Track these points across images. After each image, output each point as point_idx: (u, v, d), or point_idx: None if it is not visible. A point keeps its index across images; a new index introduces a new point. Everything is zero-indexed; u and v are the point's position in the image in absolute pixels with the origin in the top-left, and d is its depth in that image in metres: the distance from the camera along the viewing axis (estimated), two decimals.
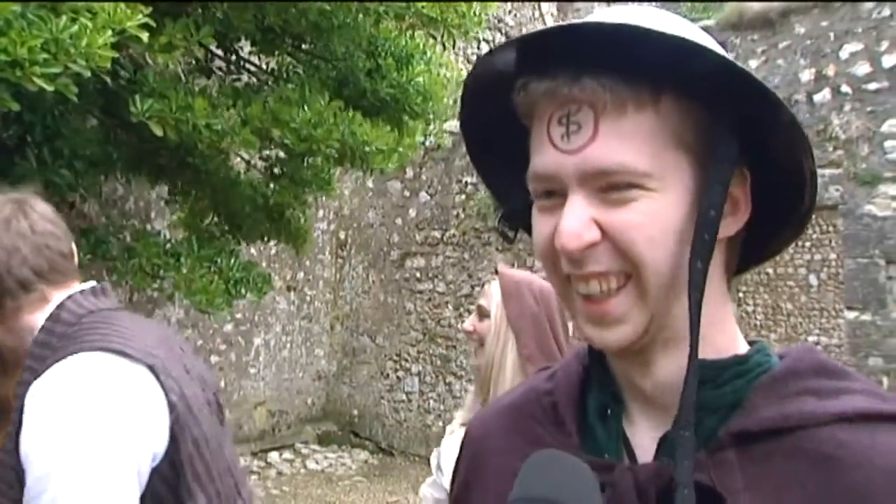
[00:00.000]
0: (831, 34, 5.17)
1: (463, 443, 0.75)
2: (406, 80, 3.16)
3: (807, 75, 5.30)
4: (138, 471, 1.03)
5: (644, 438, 0.60)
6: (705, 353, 0.57)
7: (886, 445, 0.53)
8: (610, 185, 0.54)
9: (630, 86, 0.54)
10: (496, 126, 0.64)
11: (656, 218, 0.54)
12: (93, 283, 1.23)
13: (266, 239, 3.74)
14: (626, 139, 0.54)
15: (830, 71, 5.21)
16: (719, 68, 0.53)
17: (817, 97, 5.22)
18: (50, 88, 1.77)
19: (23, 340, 1.16)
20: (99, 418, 1.02)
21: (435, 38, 3.14)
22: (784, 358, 0.60)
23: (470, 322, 1.68)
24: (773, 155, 0.57)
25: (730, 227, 0.58)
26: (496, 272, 1.69)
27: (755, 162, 0.58)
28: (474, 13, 2.93)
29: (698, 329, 0.54)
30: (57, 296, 1.17)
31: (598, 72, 0.53)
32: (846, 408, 0.55)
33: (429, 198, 7.42)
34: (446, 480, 1.65)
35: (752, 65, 5.43)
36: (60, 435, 1.00)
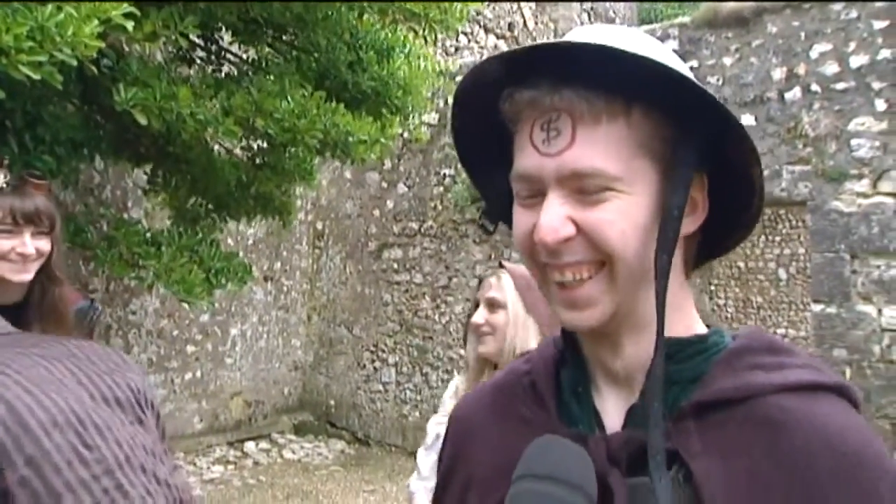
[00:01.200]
0: (802, 34, 5.30)
1: (449, 423, 0.81)
2: (387, 73, 3.19)
3: (779, 73, 5.41)
4: None
5: (612, 411, 0.67)
6: (668, 333, 0.63)
7: (823, 410, 0.61)
8: (584, 188, 0.61)
9: (604, 98, 0.60)
10: (483, 130, 0.70)
11: (626, 215, 0.61)
12: None
13: (250, 217, 3.72)
14: (600, 145, 0.60)
15: (801, 70, 5.33)
16: (682, 87, 0.60)
17: (788, 95, 5.35)
18: (35, 76, 1.77)
19: None
20: None
21: (416, 32, 3.17)
22: (737, 338, 0.68)
23: (481, 316, 1.74)
24: (728, 163, 0.64)
25: (689, 225, 0.65)
26: (500, 266, 1.79)
27: (714, 168, 0.65)
28: (456, 10, 2.96)
29: (664, 313, 0.61)
30: None
31: (577, 84, 0.60)
32: (789, 379, 0.63)
33: (406, 189, 7.45)
34: None
35: (727, 62, 5.53)
36: None
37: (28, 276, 1.63)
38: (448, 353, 7.11)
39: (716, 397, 0.62)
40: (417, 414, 7.08)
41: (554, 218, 0.60)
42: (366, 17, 3.04)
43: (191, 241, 2.90)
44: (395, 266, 7.47)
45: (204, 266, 3.06)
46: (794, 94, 5.33)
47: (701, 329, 0.69)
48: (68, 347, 1.05)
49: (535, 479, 0.58)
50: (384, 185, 7.62)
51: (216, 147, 3.44)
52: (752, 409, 0.61)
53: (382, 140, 2.96)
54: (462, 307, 7.07)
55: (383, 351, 7.52)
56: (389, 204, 7.55)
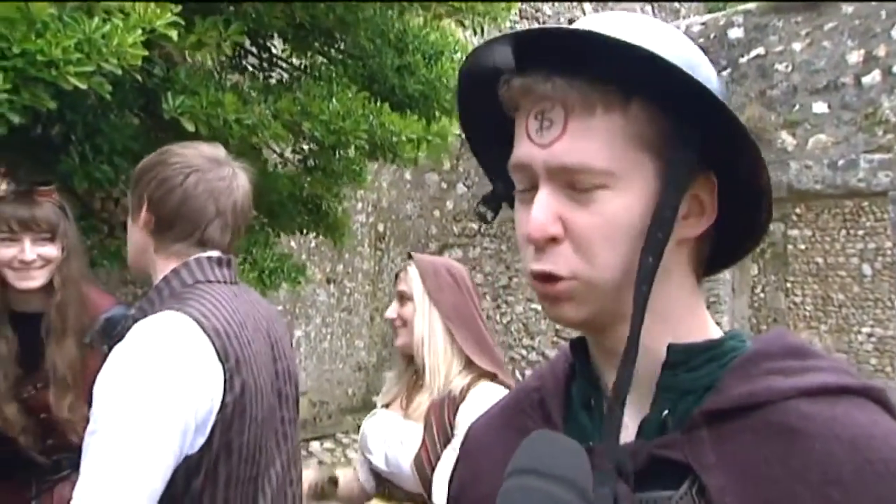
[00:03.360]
0: (882, 12, 4.98)
1: (462, 444, 0.79)
2: (435, 76, 3.18)
3: (855, 57, 5.11)
4: (184, 431, 1.10)
5: (628, 424, 0.63)
6: (678, 338, 0.61)
7: (846, 416, 0.55)
8: (574, 183, 0.58)
9: (599, 88, 0.57)
10: (491, 115, 0.68)
11: (616, 218, 0.58)
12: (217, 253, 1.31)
13: (304, 231, 3.78)
14: (593, 138, 0.58)
15: (881, 51, 5.01)
16: (683, 81, 0.56)
17: (866, 79, 5.04)
18: (84, 87, 1.84)
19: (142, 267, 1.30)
20: (159, 376, 1.10)
21: (464, 24, 3.13)
22: (756, 342, 0.63)
23: (393, 310, 1.78)
24: (737, 166, 0.61)
25: (695, 228, 0.62)
26: (409, 257, 1.82)
27: (723, 167, 0.61)
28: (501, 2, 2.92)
29: (641, 318, 0.58)
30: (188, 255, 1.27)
31: (569, 73, 0.57)
32: (809, 383, 0.57)
33: (466, 189, 7.43)
34: (375, 459, 1.72)
35: (796, 48, 5.27)
36: (119, 384, 1.09)
37: (34, 283, 1.65)
38: (509, 353, 7.05)
39: (730, 404, 0.58)
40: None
41: (542, 213, 0.58)
42: (408, 16, 3.03)
43: (242, 241, 2.97)
44: None
45: (258, 267, 3.12)
46: (873, 77, 5.02)
47: (716, 333, 0.64)
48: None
49: (521, 474, 0.55)
50: (444, 185, 7.63)
51: (271, 156, 3.51)
52: (768, 416, 0.57)
53: (429, 138, 2.94)
54: (523, 307, 7.00)
55: None
56: (449, 204, 7.56)
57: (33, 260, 1.64)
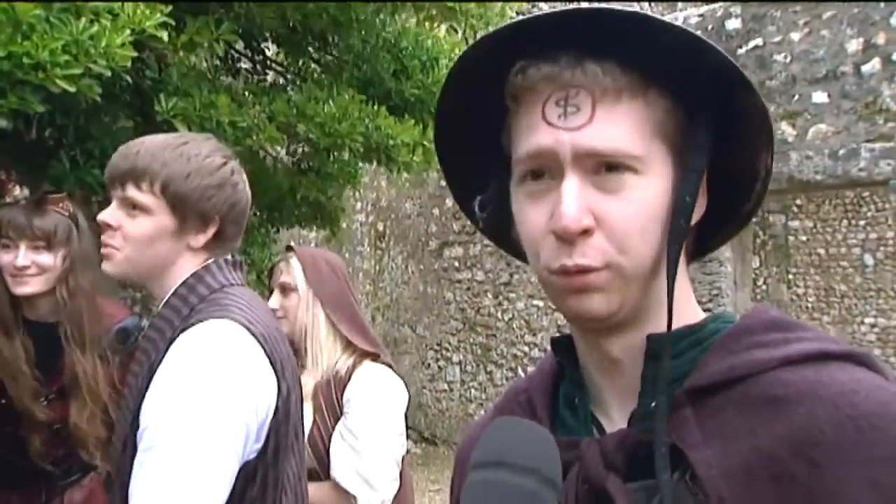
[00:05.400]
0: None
1: (457, 451, 0.79)
2: (431, 81, 3.15)
3: (854, 45, 5.07)
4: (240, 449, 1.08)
5: (617, 419, 0.62)
6: (674, 327, 0.59)
7: (830, 378, 0.54)
8: (603, 165, 0.57)
9: (626, 73, 0.57)
10: (468, 114, 0.65)
11: (646, 206, 0.57)
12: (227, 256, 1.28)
13: (302, 224, 3.75)
14: (621, 124, 0.57)
15: (881, 39, 4.97)
16: (703, 63, 0.56)
17: (866, 68, 5.00)
18: (72, 89, 1.81)
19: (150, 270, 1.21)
20: (221, 386, 1.07)
21: (456, 30, 3.11)
22: (739, 320, 0.62)
23: (275, 301, 1.85)
24: (732, 152, 0.60)
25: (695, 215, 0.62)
26: (289, 249, 1.91)
27: (714, 157, 0.61)
28: (496, 6, 2.88)
29: (673, 306, 0.58)
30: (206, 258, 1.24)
31: (600, 57, 0.56)
32: (791, 352, 0.56)
33: None
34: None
35: (794, 37, 5.23)
36: (179, 397, 1.05)
37: (29, 290, 1.66)
38: (512, 350, 7.03)
39: (710, 380, 0.57)
40: (483, 412, 7.03)
41: (575, 204, 0.55)
42: (401, 17, 3.00)
43: (241, 242, 2.94)
44: (457, 264, 7.44)
45: (256, 268, 3.10)
46: (873, 66, 4.97)
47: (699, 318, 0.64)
48: None
49: (483, 467, 0.52)
50: (443, 183, 7.60)
51: (266, 156, 3.48)
52: (749, 389, 0.56)
53: (425, 143, 2.91)
54: (524, 304, 6.97)
55: (447, 350, 7.51)
56: (449, 202, 7.53)
57: (26, 266, 1.65)
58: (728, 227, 0.67)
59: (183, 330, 1.12)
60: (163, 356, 1.10)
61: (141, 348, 1.19)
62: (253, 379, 1.11)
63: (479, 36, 0.71)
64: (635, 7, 0.58)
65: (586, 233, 0.56)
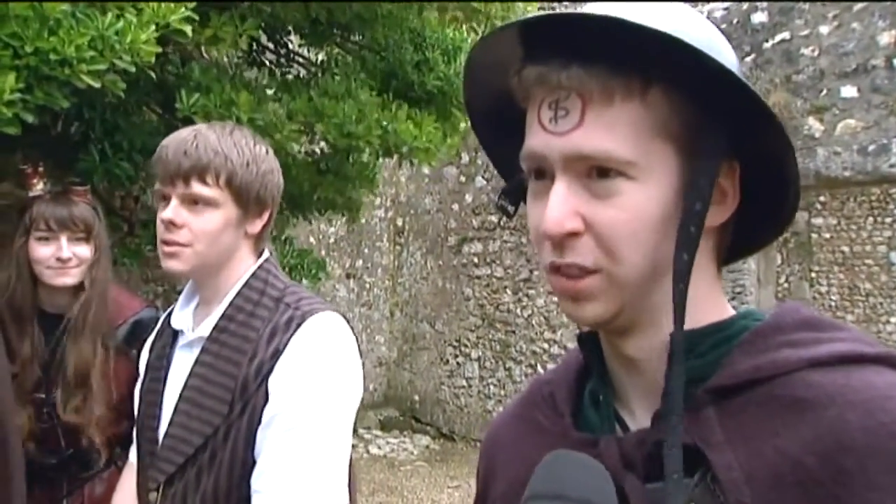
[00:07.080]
0: None
1: (484, 440, 0.80)
2: (453, 72, 3.13)
3: (886, 38, 4.96)
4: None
5: (642, 420, 0.61)
6: (694, 325, 0.58)
7: (861, 382, 0.51)
8: (594, 170, 0.56)
9: (619, 75, 0.55)
10: (500, 104, 0.65)
11: (640, 212, 0.55)
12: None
13: (323, 212, 3.76)
14: (612, 128, 0.55)
15: None
16: (706, 66, 0.53)
17: None
18: (97, 85, 1.81)
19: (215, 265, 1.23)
20: (349, 375, 1.18)
21: (477, 32, 3.09)
22: (770, 317, 0.60)
23: None
24: (763, 151, 0.58)
25: (717, 216, 0.59)
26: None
27: (749, 156, 0.58)
28: (519, 7, 2.85)
29: (683, 316, 0.56)
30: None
31: (588, 60, 0.55)
32: (820, 353, 0.54)
33: (485, 182, 7.37)
34: None
35: (823, 31, 5.12)
36: (319, 382, 1.14)
37: (69, 280, 1.68)
38: (531, 346, 6.99)
39: (734, 380, 0.55)
40: (501, 409, 6.99)
41: (558, 208, 0.55)
42: (425, 14, 2.97)
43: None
44: (476, 260, 7.41)
45: (278, 263, 3.10)
46: None
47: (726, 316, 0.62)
48: None
49: (541, 498, 0.53)
50: (462, 179, 7.57)
51: (286, 154, 3.48)
52: (774, 389, 0.54)
53: (448, 141, 2.88)
54: (544, 300, 6.93)
55: (466, 346, 7.49)
56: (468, 198, 7.50)
57: (70, 258, 1.67)
58: (768, 230, 0.65)
59: (302, 320, 1.17)
60: (270, 342, 1.15)
61: (231, 333, 1.19)
62: (360, 371, 1.21)
63: None
64: (650, 4, 0.56)
65: (575, 235, 0.55)
